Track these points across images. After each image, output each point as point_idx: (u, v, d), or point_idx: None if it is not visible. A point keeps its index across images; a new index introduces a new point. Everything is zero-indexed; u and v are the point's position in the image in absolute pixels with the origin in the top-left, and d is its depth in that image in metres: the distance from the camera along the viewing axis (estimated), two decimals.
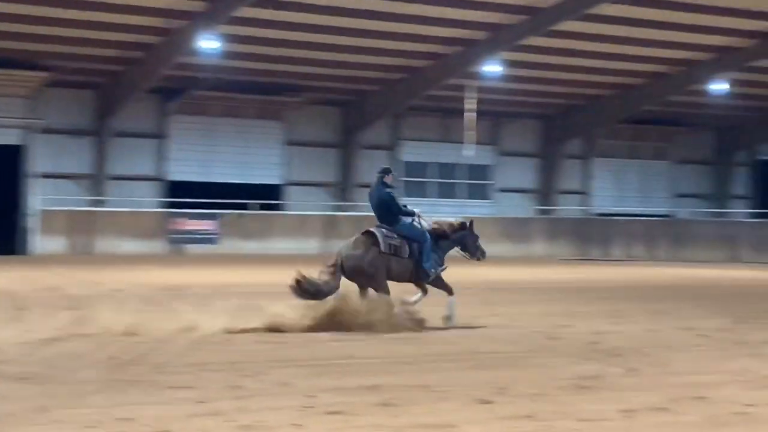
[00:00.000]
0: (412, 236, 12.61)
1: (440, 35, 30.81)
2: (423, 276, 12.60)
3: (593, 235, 38.02)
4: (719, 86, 34.85)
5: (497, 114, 37.91)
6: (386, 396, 7.71)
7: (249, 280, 21.26)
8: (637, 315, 14.66)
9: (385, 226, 12.56)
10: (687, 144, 42.52)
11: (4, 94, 31.07)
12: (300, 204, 36.01)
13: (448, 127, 38.10)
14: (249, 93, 33.98)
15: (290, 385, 8.19)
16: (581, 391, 8.18)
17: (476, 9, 29.08)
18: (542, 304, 16.55)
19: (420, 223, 12.86)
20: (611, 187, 41.61)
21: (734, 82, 34.67)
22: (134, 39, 29.55)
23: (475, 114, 33.98)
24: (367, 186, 35.13)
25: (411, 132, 37.96)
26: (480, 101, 34.11)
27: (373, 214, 12.84)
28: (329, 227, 34.43)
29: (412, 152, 38.14)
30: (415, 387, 8.20)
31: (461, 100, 35.00)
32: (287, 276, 12.29)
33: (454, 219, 13.76)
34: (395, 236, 12.49)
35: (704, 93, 36.22)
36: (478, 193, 39.49)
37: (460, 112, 37.10)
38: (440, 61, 32.60)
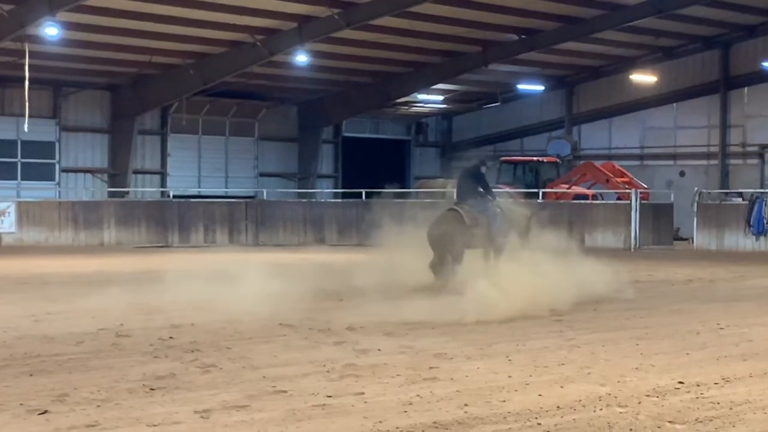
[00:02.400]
0: None
1: None
2: None
3: (171, 219, 38.02)
4: (301, 58, 36.08)
5: (59, 83, 36.88)
6: None
7: None
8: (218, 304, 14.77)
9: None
10: (272, 120, 43.83)
11: None
12: None
13: (2, 99, 36.66)
14: None
15: None
16: (153, 393, 8.13)
17: None
18: (109, 297, 15.93)
19: None
20: (190, 167, 41.92)
21: (316, 54, 36.09)
22: None
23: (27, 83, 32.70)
24: None
25: None
26: (37, 68, 32.94)
27: None
28: None
29: None
30: None
31: (16, 67, 33.59)
32: None
33: None
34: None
35: (287, 65, 37.41)
36: (40, 173, 38.25)
37: (16, 81, 35.63)
38: None
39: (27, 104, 33.00)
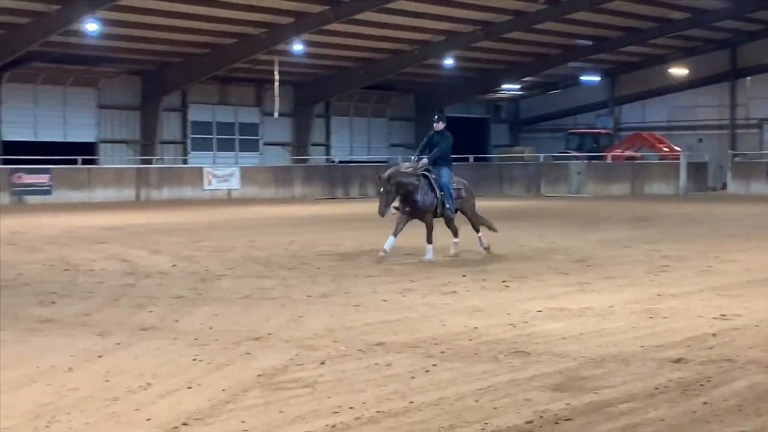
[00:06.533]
0: None
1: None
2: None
3: (336, 179, 45.16)
4: (448, 61, 42.97)
5: (261, 81, 43.46)
6: None
7: (115, 222, 24.58)
8: None
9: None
10: (398, 105, 50.69)
11: None
12: (112, 159, 39.78)
13: (226, 93, 43.49)
14: (70, 63, 37.07)
15: None
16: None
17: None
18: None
19: None
20: (346, 139, 48.91)
21: (458, 58, 42.98)
22: None
23: (278, 84, 39.56)
24: (168, 142, 39.83)
25: (196, 96, 42.67)
26: (270, 72, 39.77)
27: None
28: (141, 179, 38.79)
29: (197, 113, 42.97)
30: None
31: (237, 70, 40.36)
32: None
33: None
34: None
35: (437, 67, 43.92)
36: (250, 146, 45.11)
37: (235, 80, 42.51)
38: (245, 41, 37.62)
39: (277, 99, 39.47)
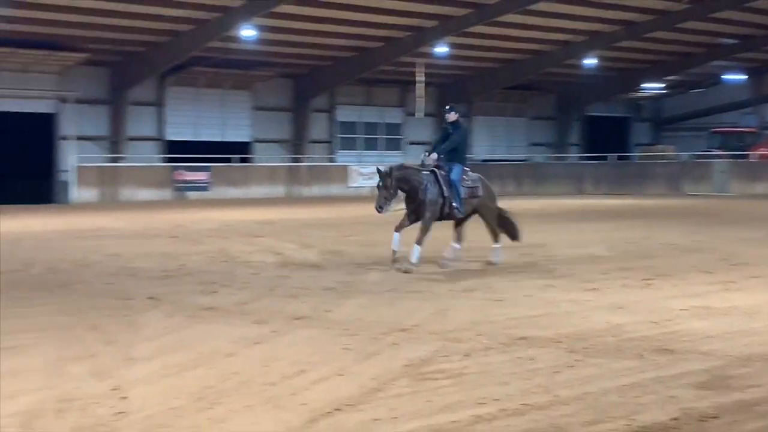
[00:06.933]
0: None
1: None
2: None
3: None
4: (590, 61, 42.23)
5: (409, 83, 43.81)
6: None
7: (268, 217, 25.17)
8: None
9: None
10: (537, 104, 50.10)
11: (42, 71, 34.08)
12: (266, 157, 40.82)
13: (371, 94, 43.98)
14: (227, 68, 38.21)
15: None
16: None
17: None
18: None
19: None
20: (487, 138, 48.70)
21: (601, 58, 42.20)
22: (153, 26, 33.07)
23: (422, 85, 39.80)
24: (317, 141, 40.60)
25: (343, 98, 43.33)
26: (413, 74, 40.01)
27: None
28: (291, 176, 39.68)
29: (344, 113, 43.63)
30: None
31: (382, 72, 40.71)
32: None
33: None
34: None
35: (579, 67, 43.35)
36: (393, 145, 45.51)
37: (380, 82, 42.90)
38: (391, 44, 37.97)
39: (420, 100, 39.65)
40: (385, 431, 5.45)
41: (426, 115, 42.76)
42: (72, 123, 35.10)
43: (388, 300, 10.31)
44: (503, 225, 13.98)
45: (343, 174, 40.90)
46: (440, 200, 13.00)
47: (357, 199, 37.83)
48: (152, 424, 5.54)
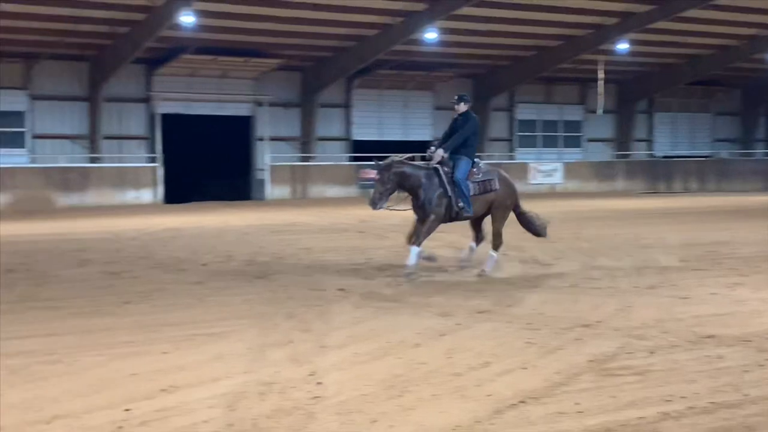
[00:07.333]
0: None
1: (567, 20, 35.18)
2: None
3: (659, 174, 43.54)
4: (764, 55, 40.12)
5: (589, 80, 42.88)
6: None
7: None
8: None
9: None
10: (721, 99, 47.94)
11: (240, 77, 35.58)
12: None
13: (550, 92, 43.33)
14: (409, 70, 38.56)
15: None
16: None
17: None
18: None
19: None
20: (669, 135, 47.04)
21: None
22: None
23: (602, 82, 38.97)
24: (496, 139, 40.37)
25: (523, 96, 42.91)
26: (593, 71, 39.13)
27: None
28: None
29: (524, 112, 43.22)
30: None
31: (561, 69, 39.94)
32: None
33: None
34: None
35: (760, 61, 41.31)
36: (572, 143, 44.69)
37: (560, 79, 42.17)
38: (571, 42, 37.27)
39: (601, 98, 38.72)
40: (571, 425, 5.36)
41: (606, 112, 41.75)
42: (267, 125, 36.38)
43: (569, 295, 10.14)
44: (523, 223, 12.93)
45: (522, 171, 40.51)
46: (444, 200, 11.84)
47: (537, 195, 37.38)
48: (346, 409, 5.68)
